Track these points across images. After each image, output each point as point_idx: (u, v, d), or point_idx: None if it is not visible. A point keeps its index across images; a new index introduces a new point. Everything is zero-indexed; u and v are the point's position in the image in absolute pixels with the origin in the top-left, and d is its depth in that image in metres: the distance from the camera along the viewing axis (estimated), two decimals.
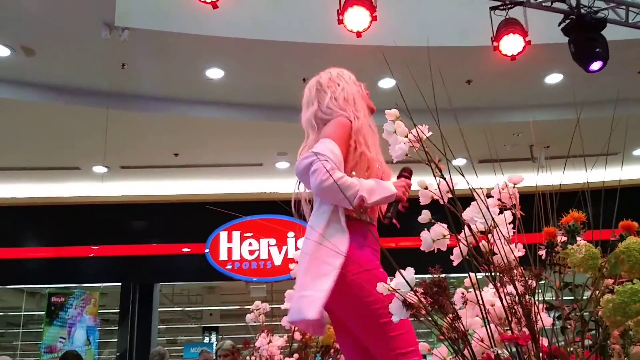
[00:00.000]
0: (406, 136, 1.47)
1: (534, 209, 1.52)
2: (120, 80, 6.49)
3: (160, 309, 9.86)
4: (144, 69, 6.40)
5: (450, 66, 6.30)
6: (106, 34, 5.46)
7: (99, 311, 8.96)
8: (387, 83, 6.36)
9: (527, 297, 1.37)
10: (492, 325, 1.56)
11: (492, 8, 4.85)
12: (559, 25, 4.94)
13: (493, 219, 1.38)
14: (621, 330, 1.37)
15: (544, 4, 4.87)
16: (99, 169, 8.41)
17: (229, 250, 8.84)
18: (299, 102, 2.33)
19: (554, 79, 6.87)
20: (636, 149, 8.62)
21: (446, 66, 6.39)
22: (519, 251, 1.56)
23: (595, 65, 4.79)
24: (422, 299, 1.38)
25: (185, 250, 9.04)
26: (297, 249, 6.99)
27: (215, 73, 6.52)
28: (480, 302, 1.41)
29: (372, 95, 2.40)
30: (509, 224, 1.61)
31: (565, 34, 4.90)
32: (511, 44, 4.74)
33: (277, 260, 8.74)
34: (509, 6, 4.81)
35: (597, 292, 1.29)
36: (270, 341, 3.03)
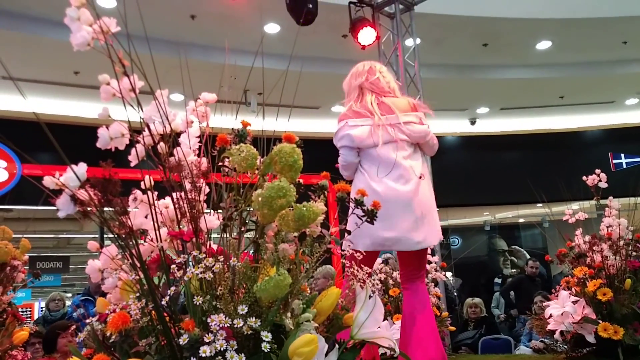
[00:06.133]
0: (91, 25, 1.40)
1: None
2: None
3: None
4: None
5: None
6: None
7: None
8: (108, 2, 5.93)
9: (195, 196, 1.45)
10: (166, 227, 1.62)
11: None
12: None
13: (168, 118, 1.41)
14: (275, 230, 1.55)
15: None
16: None
17: None
18: None
19: (272, 28, 7.23)
20: (335, 104, 9.63)
21: None
22: (200, 161, 1.64)
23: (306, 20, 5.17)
24: (92, 195, 1.36)
25: None
26: None
27: None
28: (150, 201, 1.45)
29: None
30: (197, 137, 1.70)
31: None
32: None
33: None
34: None
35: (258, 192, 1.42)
36: None
